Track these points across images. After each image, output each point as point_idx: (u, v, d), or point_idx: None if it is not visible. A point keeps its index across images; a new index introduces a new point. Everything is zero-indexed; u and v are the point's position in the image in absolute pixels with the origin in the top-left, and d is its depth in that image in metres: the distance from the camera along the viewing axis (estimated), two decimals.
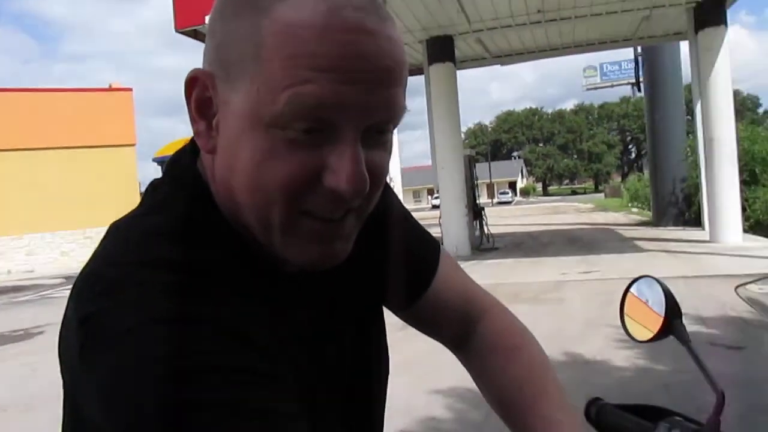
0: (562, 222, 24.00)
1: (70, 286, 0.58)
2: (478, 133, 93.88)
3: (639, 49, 21.02)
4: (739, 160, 13.21)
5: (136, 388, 0.48)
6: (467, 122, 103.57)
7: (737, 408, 3.69)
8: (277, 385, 0.53)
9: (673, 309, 0.77)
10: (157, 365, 0.48)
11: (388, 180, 0.63)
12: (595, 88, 55.39)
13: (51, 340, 0.63)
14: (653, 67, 19.86)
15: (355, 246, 0.62)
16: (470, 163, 16.03)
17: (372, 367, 0.76)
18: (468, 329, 0.85)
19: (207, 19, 0.65)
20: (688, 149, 17.86)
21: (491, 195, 64.35)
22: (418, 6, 12.48)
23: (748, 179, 16.15)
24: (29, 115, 20.66)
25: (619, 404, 0.80)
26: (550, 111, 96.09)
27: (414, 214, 0.87)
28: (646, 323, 0.80)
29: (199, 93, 0.59)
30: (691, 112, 16.27)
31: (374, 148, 0.57)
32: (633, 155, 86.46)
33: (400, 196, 1.20)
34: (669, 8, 13.47)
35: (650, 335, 0.79)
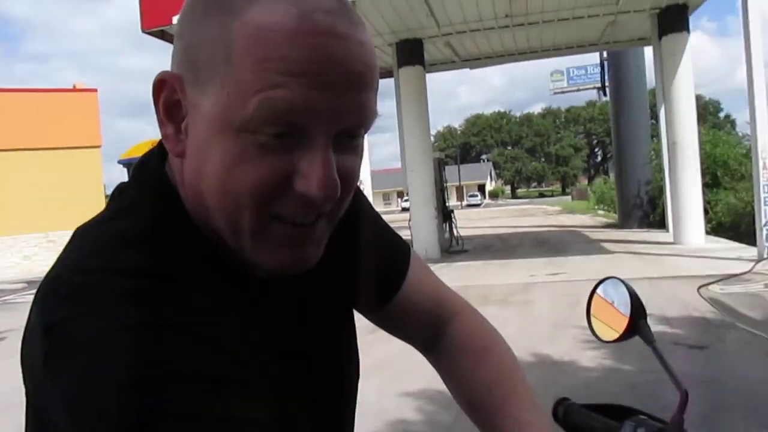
0: (530, 224, 24.25)
1: (33, 291, 0.57)
2: (447, 136, 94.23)
3: (605, 54, 21.37)
4: (702, 163, 13.54)
5: (100, 396, 0.48)
6: (437, 125, 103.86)
7: (700, 406, 3.78)
8: (248, 391, 0.52)
9: (638, 309, 0.78)
10: (121, 373, 0.48)
11: (358, 183, 0.63)
12: (562, 92, 55.96)
13: (13, 347, 0.62)
14: (618, 72, 20.24)
15: (325, 250, 0.62)
16: (440, 166, 16.10)
17: (343, 371, 0.75)
18: (438, 331, 0.85)
19: (175, 20, 0.64)
20: (653, 152, 18.23)
21: (460, 197, 64.69)
22: (388, 9, 12.53)
23: (710, 182, 16.52)
24: None
25: (585, 404, 0.81)
26: (518, 114, 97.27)
27: (384, 217, 0.87)
28: (612, 324, 0.81)
29: (168, 96, 0.57)
30: (655, 116, 16.60)
31: (345, 152, 0.57)
32: (599, 158, 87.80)
33: (370, 199, 1.20)
34: (633, 14, 13.76)
35: (616, 335, 0.80)
